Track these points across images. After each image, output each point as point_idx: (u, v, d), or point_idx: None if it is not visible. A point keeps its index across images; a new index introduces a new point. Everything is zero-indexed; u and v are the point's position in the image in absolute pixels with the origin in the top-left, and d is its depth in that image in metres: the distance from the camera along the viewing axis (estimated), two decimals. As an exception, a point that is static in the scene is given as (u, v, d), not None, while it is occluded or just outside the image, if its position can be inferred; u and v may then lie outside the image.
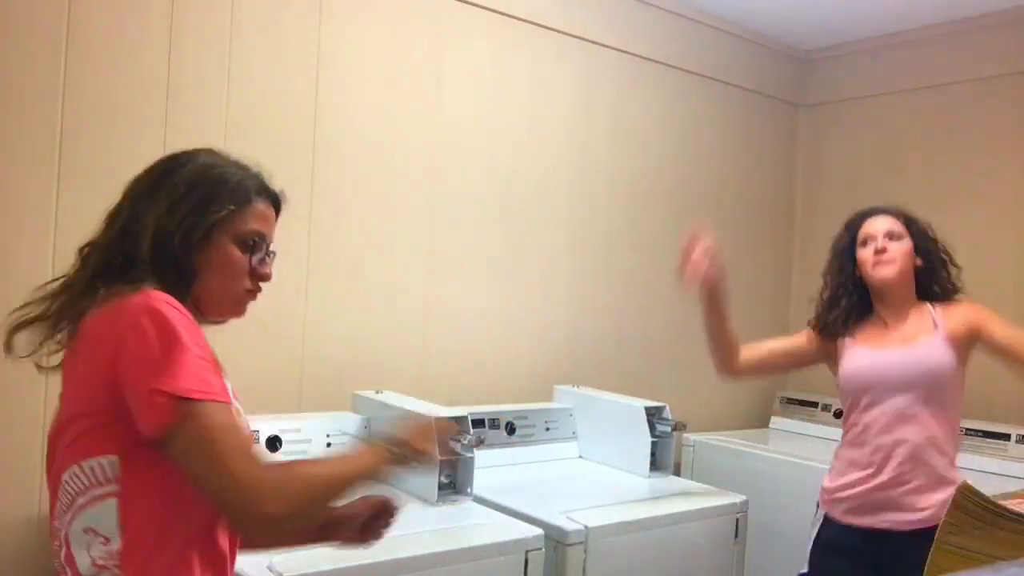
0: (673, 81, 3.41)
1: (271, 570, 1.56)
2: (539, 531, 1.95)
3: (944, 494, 1.92)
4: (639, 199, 3.33)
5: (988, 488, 1.67)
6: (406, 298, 2.68)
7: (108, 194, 2.13)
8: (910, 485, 1.96)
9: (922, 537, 1.84)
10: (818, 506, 2.12)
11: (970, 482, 1.57)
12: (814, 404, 3.50)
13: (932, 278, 2.10)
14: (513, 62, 2.92)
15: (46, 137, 2.04)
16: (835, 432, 3.34)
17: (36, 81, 2.03)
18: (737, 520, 2.39)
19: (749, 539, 2.42)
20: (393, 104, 2.63)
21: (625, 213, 3.27)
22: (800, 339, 2.22)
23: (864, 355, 2.06)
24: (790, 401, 3.59)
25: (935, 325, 2.03)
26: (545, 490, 2.39)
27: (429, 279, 2.73)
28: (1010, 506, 1.46)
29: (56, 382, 2.06)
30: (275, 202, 1.46)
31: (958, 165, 3.41)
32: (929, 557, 1.53)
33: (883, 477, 1.98)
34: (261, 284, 1.37)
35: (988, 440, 3.00)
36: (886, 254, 2.03)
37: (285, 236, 2.48)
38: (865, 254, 2.06)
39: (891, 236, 2.05)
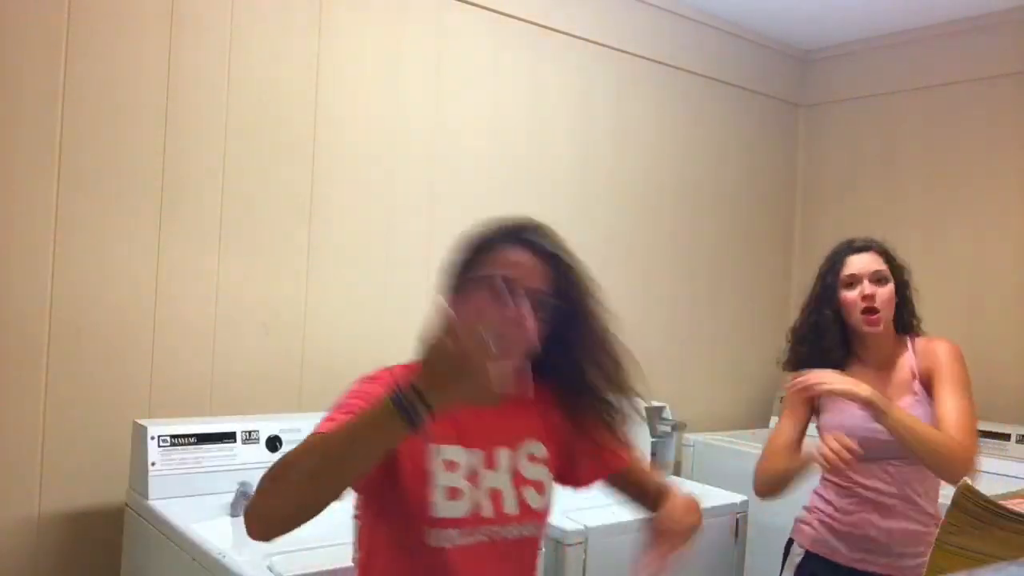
0: (673, 81, 3.41)
1: (271, 570, 1.56)
2: (539, 531, 1.95)
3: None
4: (639, 199, 3.33)
5: (988, 488, 1.67)
6: (406, 297, 2.67)
7: (108, 194, 2.14)
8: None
9: None
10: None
11: (970, 482, 1.57)
12: (814, 404, 3.50)
13: (905, 313, 2.00)
14: (513, 62, 2.92)
15: (46, 137, 2.04)
16: (835, 432, 3.35)
17: (36, 81, 2.03)
18: (737, 520, 2.39)
19: (749, 539, 2.42)
20: (393, 104, 2.63)
21: (625, 213, 3.27)
22: (800, 413, 2.00)
23: (853, 413, 1.89)
24: (790, 401, 3.59)
25: (913, 375, 1.93)
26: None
27: (429, 278, 2.71)
28: (1010, 506, 1.47)
29: (54, 383, 2.06)
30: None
31: (958, 165, 3.41)
32: (929, 557, 1.53)
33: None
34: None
35: (988, 440, 3.00)
36: (875, 302, 1.91)
37: (285, 236, 2.49)
38: (851, 297, 1.94)
39: (878, 279, 1.94)
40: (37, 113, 2.03)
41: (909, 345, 1.98)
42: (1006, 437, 2.97)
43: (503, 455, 1.28)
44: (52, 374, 2.06)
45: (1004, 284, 3.28)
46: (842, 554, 1.92)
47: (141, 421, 2.04)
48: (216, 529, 1.79)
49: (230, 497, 1.92)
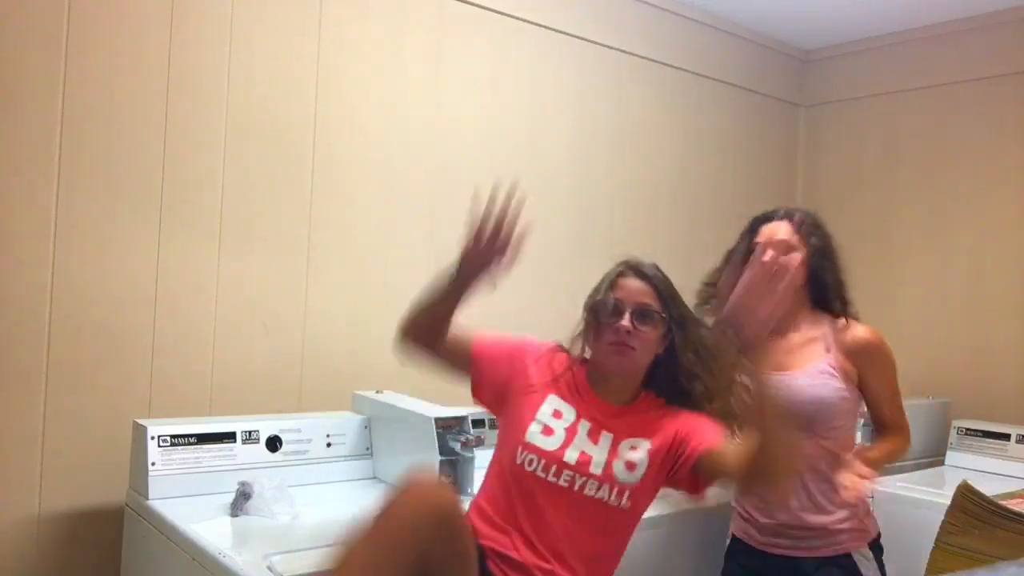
0: (673, 81, 3.41)
1: (271, 570, 1.56)
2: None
3: (827, 519, 1.88)
4: (639, 198, 3.33)
5: (988, 488, 1.67)
6: (406, 298, 2.67)
7: (108, 194, 2.14)
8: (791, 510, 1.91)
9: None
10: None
11: (970, 482, 1.57)
12: (814, 404, 3.50)
13: (823, 291, 1.97)
14: (513, 62, 2.92)
15: (46, 137, 2.04)
16: (835, 432, 3.35)
17: (36, 81, 2.03)
18: (737, 520, 2.39)
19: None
20: (393, 104, 2.63)
21: (625, 212, 3.27)
22: None
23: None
24: (790, 401, 3.59)
25: (827, 350, 1.92)
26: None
27: (429, 279, 2.72)
28: (1010, 506, 1.47)
29: (54, 383, 2.06)
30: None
31: (958, 165, 3.41)
32: (929, 557, 1.53)
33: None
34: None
35: (988, 440, 3.00)
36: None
37: (285, 236, 2.49)
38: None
39: (783, 250, 1.90)
40: (37, 113, 2.03)
41: (827, 323, 1.95)
42: (1006, 437, 2.97)
43: (607, 437, 1.57)
44: (52, 374, 2.06)
45: (1004, 284, 3.28)
46: (755, 538, 1.98)
47: (141, 421, 2.04)
48: (216, 529, 1.79)
49: (230, 497, 1.92)
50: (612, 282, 1.69)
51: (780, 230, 1.94)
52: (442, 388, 2.64)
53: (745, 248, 1.97)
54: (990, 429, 3.01)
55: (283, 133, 2.42)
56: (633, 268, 1.69)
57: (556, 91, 3.05)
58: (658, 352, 1.62)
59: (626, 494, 1.54)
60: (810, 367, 1.91)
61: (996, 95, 3.31)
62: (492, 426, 2.51)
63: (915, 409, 3.09)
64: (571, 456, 1.53)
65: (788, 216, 1.97)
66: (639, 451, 1.56)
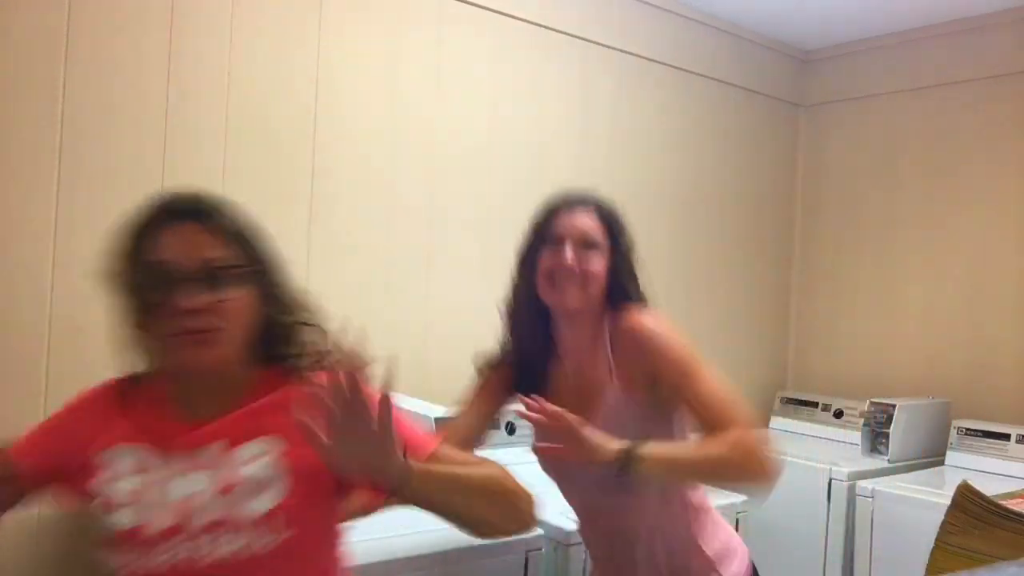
0: (673, 81, 3.41)
1: (271, 570, 1.55)
2: (539, 531, 1.95)
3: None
4: (639, 199, 3.32)
5: (988, 488, 1.67)
6: (406, 297, 2.68)
7: (108, 194, 2.14)
8: None
9: None
10: None
11: (970, 482, 1.57)
12: (814, 404, 3.50)
13: (617, 292, 1.55)
14: (513, 62, 2.92)
15: (46, 137, 2.04)
16: (835, 432, 3.35)
17: (36, 81, 2.03)
18: (737, 520, 2.39)
19: (749, 539, 2.42)
20: (393, 104, 2.63)
21: (624, 213, 3.27)
22: (488, 398, 1.68)
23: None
24: (790, 401, 3.60)
25: (609, 371, 1.48)
26: (546, 490, 2.39)
27: (429, 278, 2.72)
28: (1010, 506, 1.47)
29: (53, 386, 2.06)
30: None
31: (958, 165, 3.41)
32: (929, 557, 1.53)
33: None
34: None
35: (988, 440, 3.00)
36: (575, 272, 1.46)
37: (285, 236, 2.48)
38: (547, 261, 1.49)
39: (586, 243, 1.51)
40: (37, 113, 2.03)
41: (606, 326, 1.50)
42: (1006, 437, 2.97)
43: (208, 456, 1.06)
44: (52, 374, 2.06)
45: (1003, 284, 3.28)
46: None
47: (141, 421, 2.04)
48: (216, 529, 1.78)
49: (230, 497, 1.92)
50: (143, 246, 1.08)
51: (582, 220, 1.55)
52: (442, 388, 2.65)
53: (538, 244, 1.55)
54: (990, 429, 3.01)
55: (283, 133, 2.42)
56: (172, 212, 1.08)
57: (556, 91, 3.05)
58: (257, 312, 1.13)
59: (276, 522, 1.03)
60: (605, 409, 1.46)
61: (996, 95, 3.31)
62: (492, 426, 2.51)
63: (915, 409, 3.11)
64: (161, 521, 1.00)
65: (583, 202, 1.58)
66: (264, 456, 1.07)
